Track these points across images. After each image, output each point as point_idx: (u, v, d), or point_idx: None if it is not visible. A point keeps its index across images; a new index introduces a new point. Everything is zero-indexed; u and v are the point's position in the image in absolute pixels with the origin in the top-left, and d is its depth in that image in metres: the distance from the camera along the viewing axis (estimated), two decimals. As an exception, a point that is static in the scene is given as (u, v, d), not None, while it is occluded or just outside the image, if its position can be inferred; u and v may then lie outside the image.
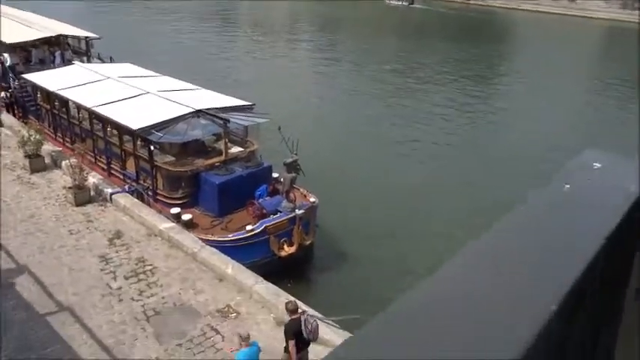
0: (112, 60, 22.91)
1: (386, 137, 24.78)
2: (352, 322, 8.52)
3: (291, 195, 14.21)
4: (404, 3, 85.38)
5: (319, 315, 8.99)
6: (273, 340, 8.77)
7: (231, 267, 10.42)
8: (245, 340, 7.78)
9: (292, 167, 13.71)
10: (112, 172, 16.51)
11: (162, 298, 9.81)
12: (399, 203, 18.19)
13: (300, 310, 8.18)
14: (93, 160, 16.85)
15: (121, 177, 16.05)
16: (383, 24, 65.95)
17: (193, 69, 32.01)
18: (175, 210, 13.95)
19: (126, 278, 10.41)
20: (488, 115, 29.37)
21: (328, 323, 8.82)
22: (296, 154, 13.63)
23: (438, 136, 25.34)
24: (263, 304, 9.65)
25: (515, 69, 42.72)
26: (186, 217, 13.69)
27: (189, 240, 11.58)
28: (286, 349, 8.01)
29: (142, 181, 15.44)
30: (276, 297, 9.53)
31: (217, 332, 9.14)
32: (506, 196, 18.53)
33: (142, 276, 10.51)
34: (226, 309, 9.56)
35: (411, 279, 14.06)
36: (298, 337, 7.86)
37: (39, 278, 10.22)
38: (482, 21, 74.45)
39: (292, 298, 9.47)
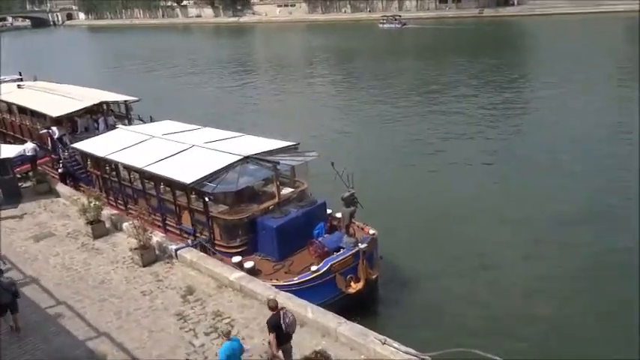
0: (152, 119, 23.54)
1: (424, 156, 24.64)
2: (452, 355, 8.13)
3: (351, 229, 14.02)
4: (397, 25, 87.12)
5: (413, 351, 8.64)
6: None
7: (310, 311, 10.20)
8: (226, 335, 8.65)
9: (350, 201, 13.53)
10: (168, 228, 16.62)
11: (247, 350, 9.61)
12: (451, 221, 17.84)
13: (279, 307, 8.90)
14: (148, 218, 17.09)
15: (178, 232, 16.16)
16: (393, 49, 66.33)
17: (225, 118, 32.78)
18: (236, 259, 13.90)
19: (206, 334, 10.30)
20: (527, 124, 28.87)
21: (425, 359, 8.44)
22: (352, 187, 13.47)
23: (484, 147, 25.02)
24: (351, 346, 9.36)
25: (542, 72, 42.24)
26: (248, 264, 13.59)
27: (262, 287, 11.45)
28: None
29: (198, 234, 15.51)
30: (364, 337, 9.23)
31: (310, 381, 8.84)
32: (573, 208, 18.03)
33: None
34: (314, 355, 9.27)
35: (482, 300, 13.60)
36: (278, 330, 8.63)
37: (121, 344, 10.21)
38: (485, 32, 74.36)
39: (381, 337, 9.18)
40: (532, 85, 38.69)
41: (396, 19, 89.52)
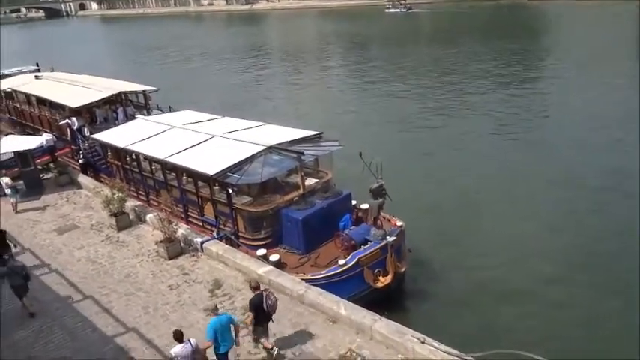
0: (171, 109, 23.29)
1: (449, 143, 24.06)
2: (496, 356, 7.77)
3: (379, 222, 13.66)
4: (402, 10, 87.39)
5: (454, 351, 8.29)
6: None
7: (343, 307, 9.89)
8: (213, 310, 8.75)
9: (379, 193, 13.15)
10: (190, 220, 16.41)
11: (280, 347, 9.36)
12: (481, 211, 17.36)
13: (262, 287, 9.33)
14: (169, 210, 16.88)
15: (200, 224, 15.95)
16: (402, 34, 65.18)
17: (242, 107, 32.45)
18: (261, 251, 13.64)
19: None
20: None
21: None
22: (381, 178, 13.07)
23: (514, 134, 24.35)
24: (387, 345, 9.04)
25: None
26: (273, 257, 13.32)
27: (292, 282, 11.16)
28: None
29: (222, 226, 15.28)
30: (401, 335, 8.89)
31: (346, 381, 8.59)
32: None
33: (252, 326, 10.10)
34: (349, 354, 9.00)
35: (517, 294, 13.16)
36: (259, 309, 8.99)
37: (151, 340, 10.01)
38: (497, 16, 72.79)
39: (419, 335, 8.85)
40: (553, 70, 37.68)
41: (401, 4, 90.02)
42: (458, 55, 45.99)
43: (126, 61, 63.35)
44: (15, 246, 13.74)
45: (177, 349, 8.18)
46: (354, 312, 9.70)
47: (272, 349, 9.27)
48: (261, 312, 8.99)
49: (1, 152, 18.67)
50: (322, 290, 10.77)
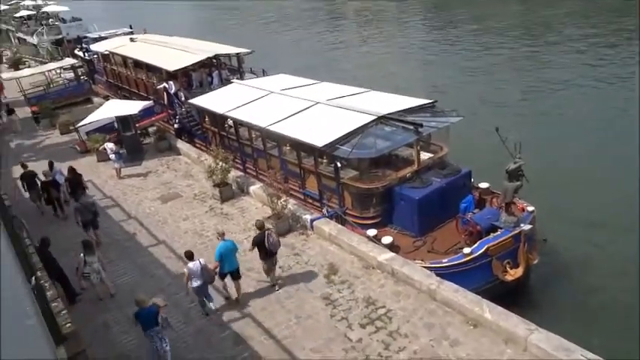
0: (264, 73, 22.35)
1: (573, 115, 21.35)
2: None
3: (511, 207, 11.97)
4: None
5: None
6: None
7: (487, 309, 8.50)
8: (221, 235, 10.09)
9: (516, 174, 11.44)
10: (290, 192, 15.49)
11: (415, 353, 8.21)
12: (618, 196, 15.04)
13: (266, 227, 10.38)
14: (269, 181, 16.08)
15: (302, 197, 15.00)
16: None
17: (333, 71, 31.02)
18: (372, 232, 12.46)
19: (362, 326, 9.00)
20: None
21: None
22: (519, 158, 11.32)
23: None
24: (547, 362, 7.62)
25: None
26: (386, 240, 12.10)
27: (420, 274, 9.88)
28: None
29: (326, 201, 14.25)
30: (567, 353, 7.41)
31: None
32: None
33: (378, 323, 9.02)
34: (502, 367, 7.70)
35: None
36: (261, 246, 10.08)
37: (269, 330, 9.21)
38: None
39: (592, 356, 7.33)
40: None
41: None
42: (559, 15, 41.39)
43: (196, 22, 62.83)
44: (86, 188, 14.84)
45: (189, 265, 9.50)
46: (501, 317, 8.29)
47: (275, 285, 10.51)
48: (263, 249, 10.01)
49: (105, 117, 18.62)
50: (459, 288, 9.40)
